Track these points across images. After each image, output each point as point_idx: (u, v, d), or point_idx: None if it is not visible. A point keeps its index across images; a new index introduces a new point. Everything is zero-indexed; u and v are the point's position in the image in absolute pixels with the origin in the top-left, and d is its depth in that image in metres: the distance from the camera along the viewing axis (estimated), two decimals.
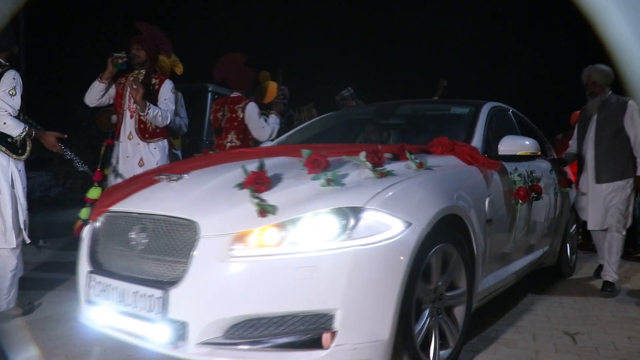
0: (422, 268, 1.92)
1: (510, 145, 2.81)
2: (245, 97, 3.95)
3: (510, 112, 3.63)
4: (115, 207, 2.09)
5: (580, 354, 2.47)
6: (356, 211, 1.77)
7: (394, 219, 1.81)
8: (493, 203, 2.56)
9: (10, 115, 2.89)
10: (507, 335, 2.72)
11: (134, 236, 1.94)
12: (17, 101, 2.91)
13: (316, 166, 1.96)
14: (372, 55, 16.65)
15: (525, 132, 3.84)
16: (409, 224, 1.83)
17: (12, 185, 2.94)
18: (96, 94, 3.55)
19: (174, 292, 1.74)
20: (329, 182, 1.90)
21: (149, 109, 3.38)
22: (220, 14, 15.11)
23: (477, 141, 2.80)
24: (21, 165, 3.01)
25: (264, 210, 1.77)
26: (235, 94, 3.96)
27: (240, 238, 1.75)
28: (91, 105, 3.60)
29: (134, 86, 3.37)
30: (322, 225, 1.75)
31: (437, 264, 2.06)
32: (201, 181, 2.04)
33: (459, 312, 2.24)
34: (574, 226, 4.31)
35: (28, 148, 3.03)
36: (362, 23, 16.90)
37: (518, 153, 2.79)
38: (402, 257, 1.79)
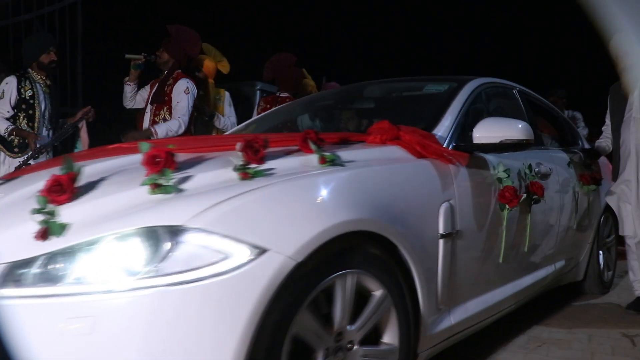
0: (303, 304, 1.31)
1: (490, 130, 2.08)
2: (295, 98, 3.87)
3: (515, 92, 2.86)
4: None
5: None
6: (173, 233, 1.19)
7: (235, 243, 1.21)
8: (454, 210, 1.86)
9: None
10: (560, 335, 2.58)
11: None
12: (2, 103, 3.22)
13: (154, 165, 1.39)
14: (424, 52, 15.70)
15: (541, 117, 3.07)
16: (262, 251, 1.23)
17: None
18: (127, 96, 3.69)
19: None
20: (155, 187, 1.32)
21: (156, 135, 3.30)
22: (270, 13, 14.80)
23: (443, 127, 2.09)
24: (19, 163, 3.18)
25: (47, 230, 1.23)
26: (284, 94, 3.97)
27: (11, 271, 1.22)
28: (127, 107, 3.75)
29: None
30: (121, 254, 1.19)
31: (345, 299, 1.44)
32: (15, 188, 1.54)
33: None
34: (611, 235, 3.45)
35: (28, 149, 3.26)
36: (408, 18, 16.06)
37: (500, 141, 2.07)
38: (244, 302, 1.18)
